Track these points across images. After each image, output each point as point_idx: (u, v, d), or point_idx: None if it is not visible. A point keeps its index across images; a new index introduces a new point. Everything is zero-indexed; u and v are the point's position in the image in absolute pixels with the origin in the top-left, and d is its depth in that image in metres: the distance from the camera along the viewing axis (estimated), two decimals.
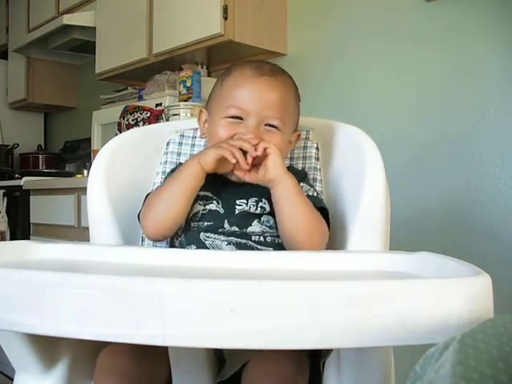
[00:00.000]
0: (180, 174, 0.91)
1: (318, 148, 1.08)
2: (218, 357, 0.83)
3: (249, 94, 0.91)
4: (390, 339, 0.51)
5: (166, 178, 1.03)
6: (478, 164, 1.64)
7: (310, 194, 0.94)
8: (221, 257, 0.78)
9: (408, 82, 1.82)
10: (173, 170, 1.02)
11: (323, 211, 0.92)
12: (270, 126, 0.91)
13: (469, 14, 1.68)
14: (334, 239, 0.95)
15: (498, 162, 1.60)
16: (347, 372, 0.76)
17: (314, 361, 0.86)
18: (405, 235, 1.46)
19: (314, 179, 1.05)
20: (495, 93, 1.61)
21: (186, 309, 0.51)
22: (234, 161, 0.85)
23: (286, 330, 0.51)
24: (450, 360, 0.41)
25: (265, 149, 0.87)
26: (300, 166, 1.08)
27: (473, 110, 1.66)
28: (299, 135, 1.01)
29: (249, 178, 0.88)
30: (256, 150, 0.86)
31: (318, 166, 1.07)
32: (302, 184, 0.95)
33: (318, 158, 1.07)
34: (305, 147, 1.08)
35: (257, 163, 0.88)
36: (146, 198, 0.98)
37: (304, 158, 1.08)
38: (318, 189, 1.02)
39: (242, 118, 0.91)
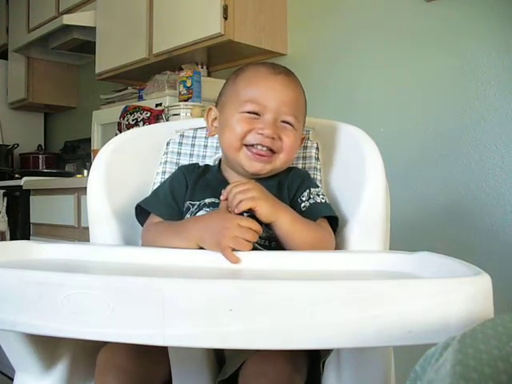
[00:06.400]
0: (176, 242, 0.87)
1: (318, 148, 1.08)
2: (219, 356, 0.83)
3: (267, 90, 0.92)
4: (390, 339, 0.51)
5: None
6: (477, 164, 1.64)
7: (318, 201, 0.94)
8: (221, 257, 0.78)
9: (408, 81, 1.82)
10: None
11: (332, 218, 0.92)
12: (285, 123, 0.92)
13: (469, 13, 1.68)
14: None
15: (498, 162, 1.60)
16: (347, 372, 0.76)
17: (313, 360, 0.86)
18: (405, 235, 1.46)
19: (314, 179, 1.05)
20: (495, 93, 1.61)
21: (185, 309, 0.51)
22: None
23: (285, 330, 0.51)
24: (450, 360, 0.41)
25: (240, 201, 0.82)
26: (300, 166, 1.08)
27: (473, 110, 1.66)
28: (303, 138, 1.02)
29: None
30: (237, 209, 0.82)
31: (318, 166, 1.07)
32: (312, 190, 0.95)
33: (318, 158, 1.07)
34: (305, 147, 1.08)
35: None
36: (139, 205, 0.98)
37: (304, 157, 1.08)
38: (316, 182, 1.02)
39: (258, 114, 0.92)
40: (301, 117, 0.96)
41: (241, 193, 0.83)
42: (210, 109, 1.01)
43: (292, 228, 0.85)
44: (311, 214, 0.91)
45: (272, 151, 0.92)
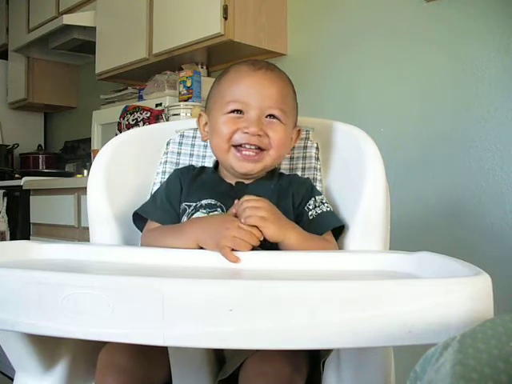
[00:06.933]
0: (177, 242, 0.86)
1: (317, 148, 1.08)
2: (219, 356, 0.83)
3: (247, 88, 0.92)
4: (390, 339, 0.51)
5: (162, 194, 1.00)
6: (477, 164, 1.64)
7: (324, 209, 0.94)
8: (221, 257, 0.78)
9: (408, 82, 1.82)
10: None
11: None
12: (272, 117, 0.92)
13: (469, 14, 1.68)
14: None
15: (498, 162, 1.60)
16: (347, 372, 0.76)
17: (313, 360, 0.86)
18: (405, 235, 1.46)
19: (314, 179, 1.05)
20: (495, 93, 1.61)
21: (185, 309, 0.51)
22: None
23: (285, 329, 0.51)
24: (450, 360, 0.41)
25: (249, 216, 0.81)
26: (300, 166, 1.08)
27: (473, 110, 1.66)
28: (299, 131, 1.01)
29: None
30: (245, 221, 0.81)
31: (318, 166, 1.07)
32: (317, 198, 0.95)
33: (318, 158, 1.07)
34: (305, 147, 1.08)
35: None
36: (135, 213, 0.98)
37: (304, 157, 1.08)
38: (318, 189, 1.02)
39: (242, 112, 0.92)
40: (288, 109, 0.95)
41: (252, 208, 0.82)
42: (200, 114, 1.01)
43: (297, 248, 0.85)
44: (320, 224, 0.92)
45: (260, 149, 0.92)
